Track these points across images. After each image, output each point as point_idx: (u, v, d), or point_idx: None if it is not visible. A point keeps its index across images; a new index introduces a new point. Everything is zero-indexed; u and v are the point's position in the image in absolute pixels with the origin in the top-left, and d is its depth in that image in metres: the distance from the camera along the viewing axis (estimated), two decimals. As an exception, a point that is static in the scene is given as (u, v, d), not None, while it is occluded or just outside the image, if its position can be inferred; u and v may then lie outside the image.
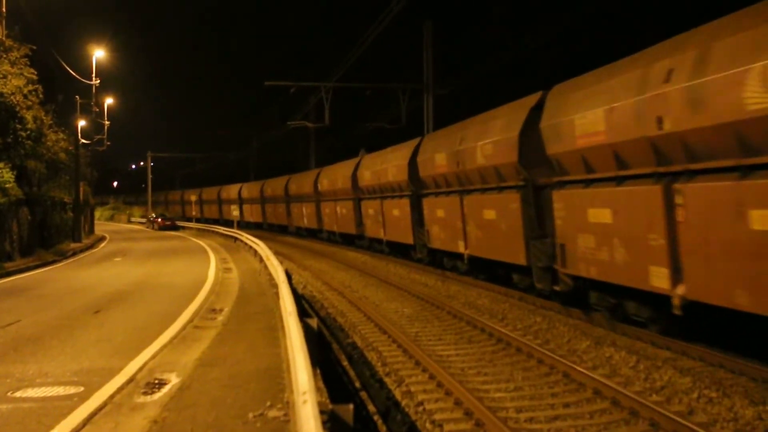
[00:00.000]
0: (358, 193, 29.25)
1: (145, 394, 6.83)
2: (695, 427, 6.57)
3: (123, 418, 6.09)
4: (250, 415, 5.94)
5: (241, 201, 56.61)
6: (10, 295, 15.37)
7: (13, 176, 23.10)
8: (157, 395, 6.77)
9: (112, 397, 6.73)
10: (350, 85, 35.41)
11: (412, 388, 8.55)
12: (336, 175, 32.87)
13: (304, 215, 40.20)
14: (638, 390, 8.08)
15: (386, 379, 9.06)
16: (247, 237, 29.62)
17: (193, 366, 7.92)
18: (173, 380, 7.31)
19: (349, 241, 32.63)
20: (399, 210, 23.56)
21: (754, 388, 7.99)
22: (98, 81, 39.88)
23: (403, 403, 8.01)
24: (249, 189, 56.23)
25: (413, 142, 22.96)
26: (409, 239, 22.72)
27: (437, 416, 7.49)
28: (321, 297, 16.98)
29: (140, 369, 7.84)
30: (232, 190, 60.48)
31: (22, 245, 25.00)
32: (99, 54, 39.37)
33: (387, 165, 24.86)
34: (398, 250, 25.24)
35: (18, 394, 6.97)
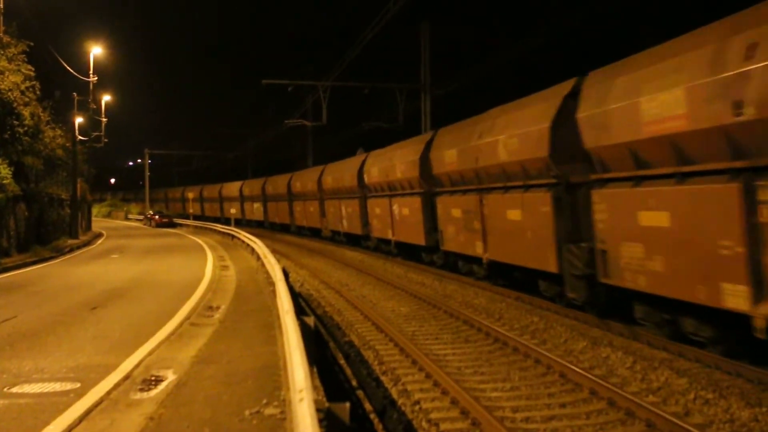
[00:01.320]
0: (429, 186, 20.70)
1: (142, 390, 6.82)
2: (691, 429, 6.58)
3: (119, 414, 6.08)
4: (247, 412, 5.93)
5: (265, 198, 51.86)
6: (7, 291, 15.34)
7: (10, 172, 23.08)
8: (154, 392, 6.76)
9: (108, 393, 6.72)
10: (348, 84, 35.41)
11: (409, 387, 8.56)
12: (392, 161, 24.27)
13: (343, 216, 31.52)
14: (635, 391, 8.10)
15: (383, 378, 9.06)
16: (245, 235, 29.58)
17: (190, 363, 7.91)
18: (170, 377, 7.31)
19: (412, 254, 23.49)
20: (529, 210, 13.65)
21: (750, 390, 8.01)
22: (96, 78, 39.93)
23: (400, 402, 8.01)
24: (274, 184, 48.85)
25: (563, 87, 13.08)
26: (547, 264, 12.94)
27: (433, 415, 7.49)
28: (318, 295, 16.97)
29: (137, 366, 7.83)
30: (255, 186, 55.01)
31: (19, 241, 24.99)
32: (96, 51, 39.37)
33: (494, 137, 15.16)
34: (502, 275, 15.98)
35: (14, 389, 6.96)
